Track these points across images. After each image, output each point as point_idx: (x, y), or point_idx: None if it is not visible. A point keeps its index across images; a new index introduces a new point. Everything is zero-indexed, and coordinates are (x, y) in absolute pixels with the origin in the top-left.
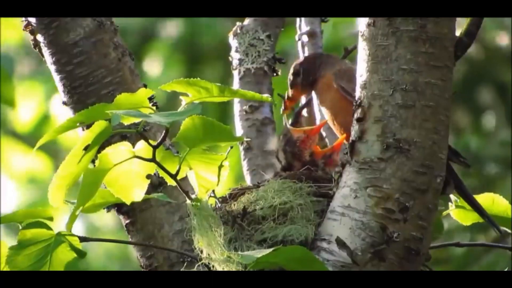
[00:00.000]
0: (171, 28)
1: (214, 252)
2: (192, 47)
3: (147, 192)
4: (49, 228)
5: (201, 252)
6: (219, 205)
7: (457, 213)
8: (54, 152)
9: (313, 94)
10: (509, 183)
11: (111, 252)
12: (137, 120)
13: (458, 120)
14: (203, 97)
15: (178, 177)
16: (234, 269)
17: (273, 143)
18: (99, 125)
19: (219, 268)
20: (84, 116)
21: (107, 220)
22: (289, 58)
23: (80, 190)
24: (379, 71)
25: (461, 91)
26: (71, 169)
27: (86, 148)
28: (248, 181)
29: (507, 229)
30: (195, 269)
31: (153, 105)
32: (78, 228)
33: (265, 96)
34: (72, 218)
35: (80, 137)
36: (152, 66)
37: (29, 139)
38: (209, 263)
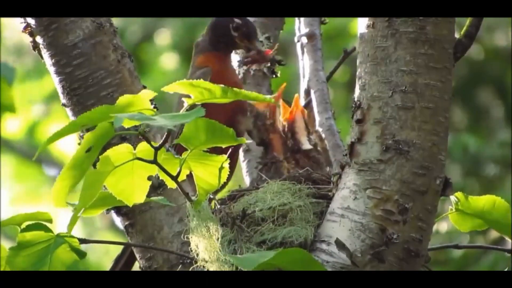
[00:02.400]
0: (171, 27)
1: (209, 256)
2: (192, 47)
3: (148, 193)
4: (48, 230)
5: (197, 255)
6: (219, 206)
7: (455, 217)
8: None
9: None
10: (508, 184)
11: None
12: (139, 122)
13: (458, 120)
14: (205, 99)
15: (179, 179)
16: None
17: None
18: (101, 127)
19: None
20: (87, 119)
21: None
22: (288, 57)
23: (82, 192)
24: (379, 72)
25: (460, 92)
26: (73, 171)
27: (88, 150)
28: (247, 182)
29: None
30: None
31: (153, 107)
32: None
33: (268, 97)
34: (74, 219)
35: (80, 139)
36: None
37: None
38: (203, 266)
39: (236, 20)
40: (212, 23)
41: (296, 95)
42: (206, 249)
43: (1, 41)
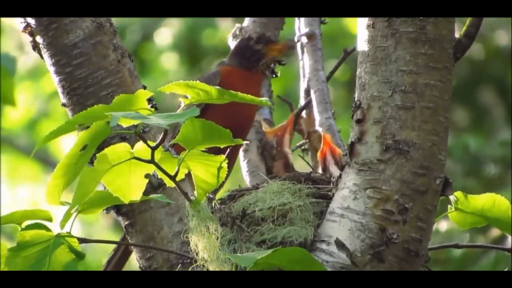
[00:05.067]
0: (172, 27)
1: (209, 255)
2: (192, 47)
3: (147, 193)
4: (48, 230)
5: (197, 254)
6: (218, 206)
7: (455, 216)
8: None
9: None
10: (509, 183)
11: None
12: (136, 122)
13: (458, 120)
14: (202, 99)
15: (177, 179)
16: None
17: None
18: (96, 126)
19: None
20: (83, 118)
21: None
22: (288, 57)
23: (76, 189)
24: (379, 72)
25: (461, 91)
26: (67, 169)
27: (83, 149)
28: (247, 182)
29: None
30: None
31: (152, 107)
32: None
33: (264, 100)
34: (67, 216)
35: (77, 137)
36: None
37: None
38: (203, 265)
39: (251, 34)
40: (234, 50)
41: (324, 134)
42: (206, 248)
43: (0, 40)
